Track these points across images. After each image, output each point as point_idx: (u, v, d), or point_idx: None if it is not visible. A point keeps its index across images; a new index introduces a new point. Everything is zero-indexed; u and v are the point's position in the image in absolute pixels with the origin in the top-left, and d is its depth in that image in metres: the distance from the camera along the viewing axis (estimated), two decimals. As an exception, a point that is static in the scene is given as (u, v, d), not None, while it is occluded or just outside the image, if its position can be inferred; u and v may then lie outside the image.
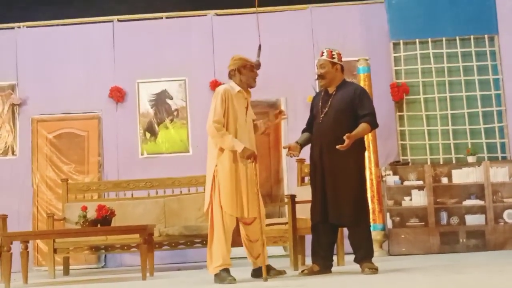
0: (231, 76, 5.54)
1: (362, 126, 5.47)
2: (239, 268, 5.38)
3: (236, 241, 5.48)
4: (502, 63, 8.76)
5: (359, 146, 5.51)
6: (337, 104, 5.52)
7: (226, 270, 5.26)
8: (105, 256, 8.73)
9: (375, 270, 5.33)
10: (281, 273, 5.50)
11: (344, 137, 5.28)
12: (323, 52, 5.65)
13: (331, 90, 5.62)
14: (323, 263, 5.56)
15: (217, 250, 5.28)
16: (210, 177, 5.37)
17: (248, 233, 5.42)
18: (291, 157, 5.73)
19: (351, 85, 5.75)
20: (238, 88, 5.46)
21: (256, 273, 5.43)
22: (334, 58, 5.59)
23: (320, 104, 5.60)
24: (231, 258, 5.35)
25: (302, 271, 5.51)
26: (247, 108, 5.49)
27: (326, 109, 5.53)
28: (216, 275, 5.28)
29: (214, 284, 5.27)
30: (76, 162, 9.06)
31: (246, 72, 5.47)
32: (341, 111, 5.49)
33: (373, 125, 5.57)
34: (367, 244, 5.51)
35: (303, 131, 5.78)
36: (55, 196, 8.86)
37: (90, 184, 8.36)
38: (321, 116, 5.54)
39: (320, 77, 5.59)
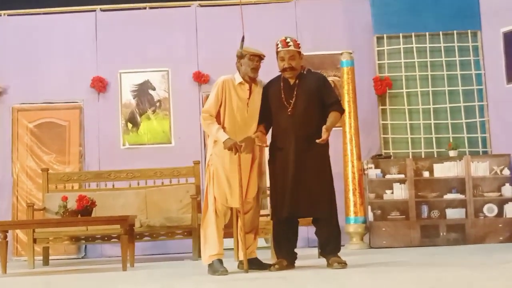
0: (237, 67, 5.50)
1: (333, 115, 5.37)
2: (224, 259, 5.37)
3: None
4: (485, 59, 8.81)
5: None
6: (305, 95, 5.37)
7: (219, 261, 5.26)
8: (85, 246, 8.67)
9: (344, 264, 5.25)
10: (264, 267, 5.47)
11: (323, 130, 5.18)
12: (287, 42, 5.39)
13: (292, 80, 5.44)
14: (290, 258, 5.49)
15: (210, 239, 5.28)
16: (205, 167, 5.45)
17: (243, 223, 5.36)
18: (260, 146, 5.42)
19: (311, 73, 5.59)
20: (239, 80, 5.42)
21: (249, 264, 5.38)
22: (300, 47, 5.45)
23: (284, 95, 5.39)
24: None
25: (273, 266, 5.37)
26: (249, 99, 5.44)
27: (293, 100, 5.37)
28: (209, 265, 5.29)
29: (196, 275, 5.25)
30: (57, 152, 8.98)
31: (244, 62, 5.40)
32: (310, 102, 5.37)
33: (342, 111, 5.53)
34: (336, 239, 5.43)
35: (258, 123, 5.44)
36: (35, 186, 8.79)
37: (71, 174, 8.31)
38: (290, 108, 5.35)
39: (292, 69, 5.38)
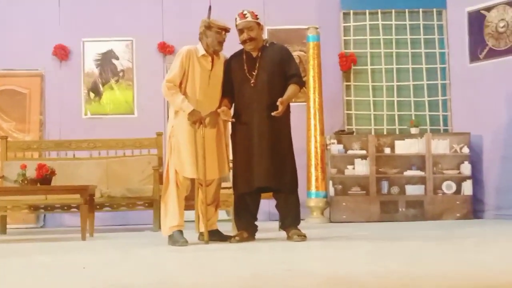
0: (200, 39, 5.42)
1: (292, 88, 5.36)
2: (185, 231, 5.37)
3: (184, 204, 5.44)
4: (449, 38, 8.88)
5: (288, 110, 5.41)
6: (267, 66, 5.37)
7: (179, 232, 5.25)
8: (44, 216, 8.57)
9: (303, 237, 5.29)
10: (227, 239, 5.47)
11: (278, 103, 5.16)
12: (245, 14, 5.36)
13: (254, 52, 5.43)
14: (251, 230, 5.51)
15: (171, 211, 5.26)
16: (167, 139, 5.38)
17: (205, 195, 5.35)
18: (225, 121, 5.41)
19: (274, 45, 5.58)
20: (202, 52, 5.36)
21: (210, 236, 5.38)
22: (258, 19, 5.42)
23: (246, 68, 5.38)
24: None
25: (234, 238, 5.38)
26: (211, 71, 5.38)
27: (256, 72, 5.35)
28: (169, 236, 5.27)
29: (156, 245, 5.24)
30: (17, 120, 8.82)
31: (211, 34, 5.33)
32: (273, 73, 5.36)
33: (302, 84, 5.52)
34: (297, 211, 5.47)
35: (223, 96, 5.43)
36: (-6, 154, 8.62)
37: (30, 143, 8.17)
38: (252, 80, 5.35)
39: (251, 39, 5.34)
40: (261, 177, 5.29)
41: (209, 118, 5.29)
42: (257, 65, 5.39)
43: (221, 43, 5.36)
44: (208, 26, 5.34)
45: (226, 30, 5.36)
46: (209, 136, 5.31)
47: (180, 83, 5.34)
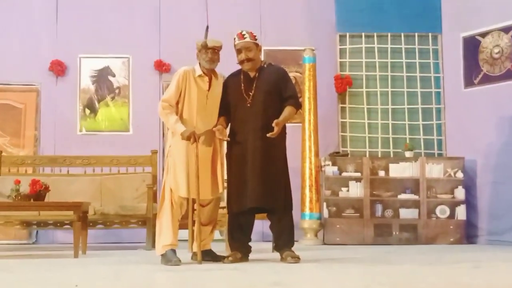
0: (197, 58, 5.48)
1: (288, 109, 5.37)
2: (178, 250, 5.35)
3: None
4: (444, 62, 8.95)
5: (283, 131, 5.42)
6: (264, 87, 5.39)
7: (172, 251, 5.24)
8: (37, 232, 8.51)
9: (297, 259, 5.27)
10: (221, 259, 5.45)
11: (273, 124, 5.18)
12: (243, 35, 5.41)
13: (252, 73, 5.47)
14: (244, 251, 5.49)
15: (165, 230, 5.25)
16: (164, 157, 5.42)
17: (202, 215, 5.35)
18: (221, 140, 5.43)
19: (271, 66, 5.62)
20: (199, 72, 5.40)
21: (203, 255, 5.36)
22: (257, 39, 5.47)
23: (243, 87, 5.40)
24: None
25: (227, 258, 5.37)
26: (208, 91, 5.41)
27: (252, 92, 5.38)
28: (162, 255, 5.25)
29: (148, 264, 5.22)
30: (11, 134, 8.80)
31: (200, 54, 5.41)
32: (269, 94, 5.38)
33: (298, 107, 5.52)
34: (290, 233, 5.46)
35: (219, 116, 5.45)
36: (-13, 169, 8.59)
37: (25, 158, 8.16)
38: (249, 100, 5.36)
39: (249, 60, 5.38)
40: (254, 197, 5.28)
41: (205, 136, 5.31)
42: (254, 85, 5.42)
43: (210, 61, 5.36)
44: (200, 47, 5.39)
45: (213, 48, 5.36)
46: (204, 156, 5.31)
47: (177, 104, 5.35)
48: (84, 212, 6.58)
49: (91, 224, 7.20)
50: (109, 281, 4.20)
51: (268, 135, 5.20)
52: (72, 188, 7.72)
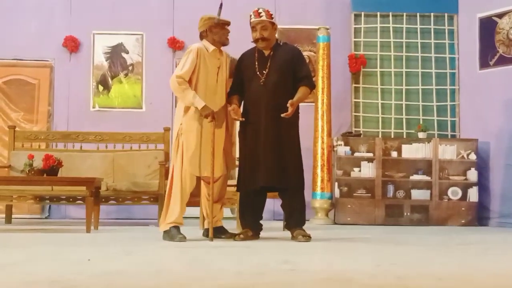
0: (203, 37, 5.50)
1: (302, 90, 5.36)
2: (189, 227, 5.38)
3: (188, 201, 5.43)
4: (459, 43, 8.86)
5: (297, 111, 5.40)
6: (278, 66, 5.37)
7: (177, 228, 5.25)
8: (50, 207, 8.59)
9: (308, 238, 5.28)
10: (232, 236, 5.47)
11: (288, 105, 5.17)
12: (260, 13, 5.39)
13: (266, 51, 5.44)
14: (255, 229, 5.51)
15: (172, 207, 5.27)
16: (174, 136, 5.39)
17: (210, 192, 5.36)
18: (235, 120, 5.44)
19: (286, 45, 5.60)
20: (212, 47, 5.40)
21: (214, 232, 5.39)
22: (273, 18, 5.45)
23: (257, 65, 5.39)
24: (184, 217, 5.36)
25: (238, 236, 5.39)
26: (219, 68, 5.42)
27: (266, 70, 5.36)
28: (165, 231, 5.28)
29: (160, 240, 5.25)
30: (25, 110, 8.84)
31: (217, 30, 5.41)
32: (283, 73, 5.36)
33: (312, 87, 5.50)
34: (301, 212, 5.46)
35: (231, 93, 5.46)
36: (1, 143, 8.65)
37: (38, 133, 8.18)
38: (262, 78, 5.34)
39: (263, 39, 5.37)
40: (265, 175, 5.28)
41: (217, 116, 5.31)
42: (268, 64, 5.40)
43: (226, 37, 5.45)
44: (216, 24, 5.37)
45: (228, 24, 5.44)
46: (216, 133, 5.31)
47: (190, 81, 5.34)
48: (97, 187, 6.62)
49: (103, 200, 7.23)
50: (120, 256, 4.23)
51: (282, 115, 5.19)
52: (85, 164, 7.75)
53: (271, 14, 5.44)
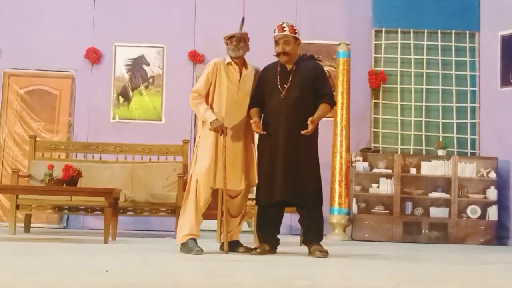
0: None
1: (323, 107, 5.35)
2: (205, 240, 5.38)
3: (206, 214, 5.43)
4: (481, 61, 8.83)
5: (316, 128, 5.37)
6: (299, 81, 5.36)
7: (194, 240, 5.25)
8: (68, 217, 8.65)
9: (325, 253, 5.25)
10: (248, 250, 5.47)
11: (308, 122, 5.17)
12: (283, 27, 5.39)
13: (289, 65, 5.44)
14: (272, 243, 5.49)
15: (188, 219, 5.27)
16: (195, 148, 5.45)
17: (230, 207, 5.38)
18: (257, 133, 5.41)
19: (309, 61, 5.59)
20: (228, 60, 5.44)
21: (231, 247, 5.39)
22: (296, 33, 5.44)
23: (279, 79, 5.38)
24: (201, 229, 5.36)
25: (255, 250, 5.35)
26: (239, 81, 5.44)
27: (288, 85, 5.35)
28: (183, 244, 5.28)
29: (177, 252, 5.26)
30: (46, 120, 8.93)
31: (228, 44, 5.46)
32: (304, 89, 5.35)
33: (333, 104, 5.50)
34: (319, 227, 5.43)
35: (252, 106, 5.44)
36: (22, 153, 8.74)
37: (58, 144, 8.25)
38: (283, 92, 5.33)
39: (285, 53, 5.37)
40: (282, 189, 5.26)
41: (234, 129, 5.32)
42: (290, 78, 5.40)
43: (236, 48, 5.40)
44: (226, 39, 5.47)
45: (231, 37, 5.41)
46: (234, 147, 5.32)
47: (207, 95, 5.38)
48: (115, 198, 6.65)
49: (121, 210, 7.27)
50: (138, 268, 4.24)
51: (302, 132, 5.18)
52: (104, 175, 7.79)
53: (295, 29, 5.45)
